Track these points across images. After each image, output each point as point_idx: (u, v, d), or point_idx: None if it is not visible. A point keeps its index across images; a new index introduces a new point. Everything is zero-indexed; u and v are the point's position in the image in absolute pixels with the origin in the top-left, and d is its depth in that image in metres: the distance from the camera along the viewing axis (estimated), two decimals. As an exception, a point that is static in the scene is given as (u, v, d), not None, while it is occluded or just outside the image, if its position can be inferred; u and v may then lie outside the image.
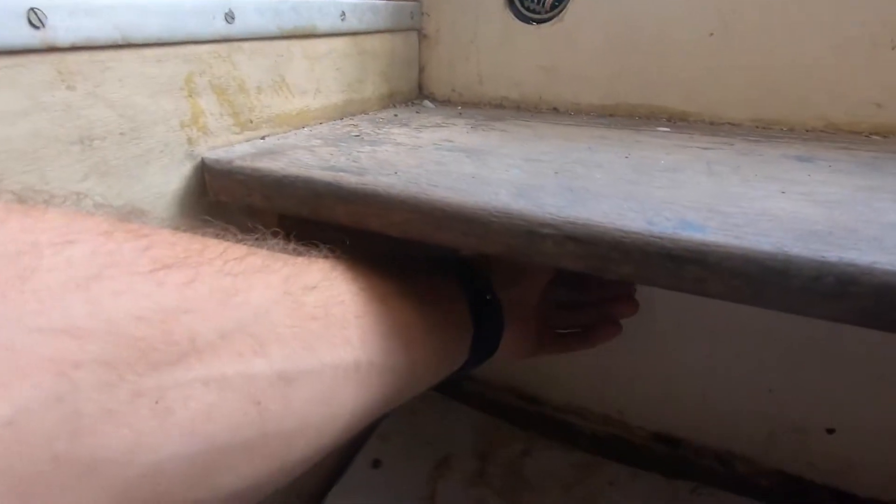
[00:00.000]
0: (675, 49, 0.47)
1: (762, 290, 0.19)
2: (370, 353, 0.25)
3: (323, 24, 0.41)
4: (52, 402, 0.14)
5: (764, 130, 0.45)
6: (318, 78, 0.42)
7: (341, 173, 0.28)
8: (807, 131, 0.45)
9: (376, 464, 0.58)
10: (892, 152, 0.37)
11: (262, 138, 0.37)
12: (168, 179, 0.31)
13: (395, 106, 0.54)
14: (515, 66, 0.54)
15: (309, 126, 0.42)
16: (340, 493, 0.55)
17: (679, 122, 0.48)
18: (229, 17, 0.32)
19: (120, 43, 0.27)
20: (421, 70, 0.59)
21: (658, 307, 0.57)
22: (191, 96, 0.31)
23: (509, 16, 0.53)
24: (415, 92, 0.58)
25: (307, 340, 0.22)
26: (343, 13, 0.43)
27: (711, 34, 0.45)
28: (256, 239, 0.25)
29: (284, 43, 0.38)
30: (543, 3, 0.52)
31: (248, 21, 0.34)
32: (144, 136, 0.29)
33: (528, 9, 0.53)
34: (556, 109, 0.54)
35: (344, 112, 0.46)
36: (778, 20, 0.43)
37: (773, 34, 0.43)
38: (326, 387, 0.23)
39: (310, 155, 0.32)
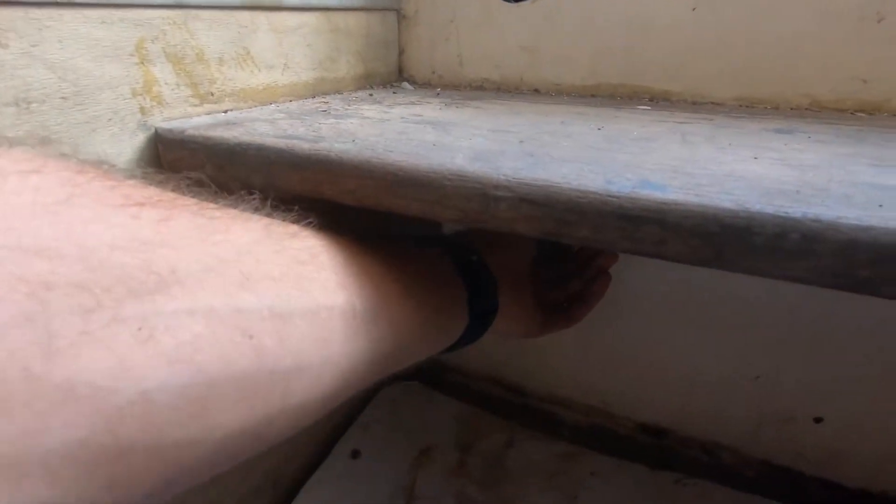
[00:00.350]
0: (656, 26, 0.46)
1: (724, 249, 0.18)
2: (365, 299, 0.24)
3: (290, -2, 0.40)
4: (21, 320, 0.13)
5: (747, 109, 0.44)
6: (287, 53, 0.41)
7: (295, 140, 0.27)
8: (791, 109, 0.43)
9: (355, 454, 0.57)
10: (878, 126, 0.36)
11: (225, 112, 0.36)
12: (119, 150, 0.29)
13: (371, 87, 0.52)
14: (496, 47, 0.53)
15: (277, 103, 0.40)
16: (318, 483, 0.53)
17: (662, 101, 0.47)
18: (184, -19, 0.31)
19: (59, 0, 0.25)
20: (401, 52, 0.57)
21: (643, 295, 0.56)
22: (143, 63, 0.30)
23: (488, -6, 0.51)
24: (394, 74, 0.57)
25: (297, 281, 0.21)
26: (313, -14, 0.42)
27: (694, 8, 0.44)
28: (235, 198, 0.24)
29: (248, 14, 0.36)
30: (523, -19, 0.50)
31: (206, -13, 0.33)
32: (89, 102, 0.27)
33: (507, -14, 0.51)
34: (537, 91, 0.52)
35: (315, 90, 0.45)
36: (761, -6, 0.42)
37: (756, 7, 0.42)
38: (323, 328, 0.22)
39: (269, 126, 0.31)
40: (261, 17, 0.38)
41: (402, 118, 0.35)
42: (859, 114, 0.41)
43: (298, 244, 0.23)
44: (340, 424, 0.60)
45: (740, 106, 0.45)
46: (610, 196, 0.20)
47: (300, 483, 0.53)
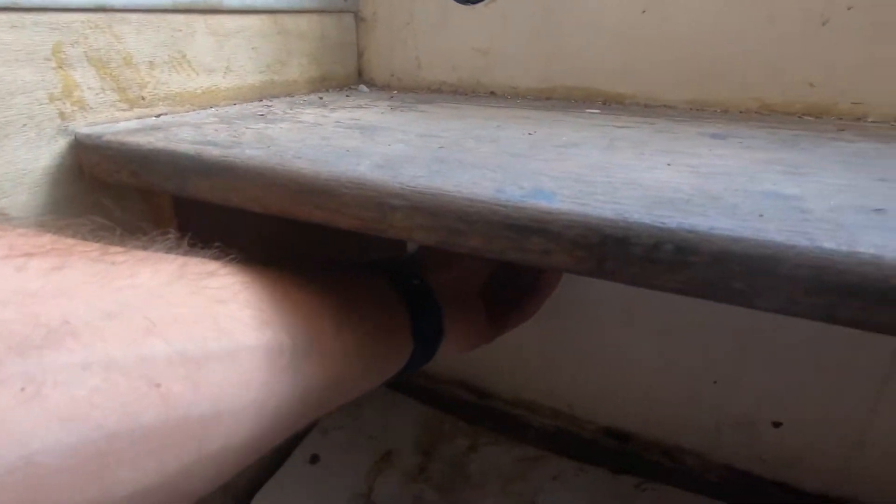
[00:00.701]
0: (608, 28, 0.45)
1: (605, 260, 0.18)
2: (295, 336, 0.23)
3: (230, 0, 0.39)
4: None
5: (698, 112, 0.43)
6: (229, 56, 0.40)
7: (209, 147, 0.26)
8: (741, 112, 0.43)
9: (314, 459, 0.57)
10: (818, 131, 0.35)
11: (158, 116, 0.35)
12: (35, 156, 0.29)
13: (326, 90, 0.52)
14: (452, 50, 0.52)
15: (217, 106, 0.40)
16: (273, 489, 0.53)
17: (615, 104, 0.47)
18: (106, -16, 0.30)
19: (-38, 5, 0.25)
20: (360, 55, 0.57)
21: (608, 302, 0.56)
22: (61, 67, 0.29)
23: (443, -5, 0.51)
24: (353, 77, 0.57)
25: (215, 321, 0.20)
26: (256, -12, 0.41)
27: (643, 11, 0.44)
28: (147, 240, 0.23)
29: (182, 17, 0.36)
30: (477, -17, 0.50)
31: (132, -11, 0.32)
32: (0, 106, 0.27)
33: (463, -12, 0.51)
34: (493, 93, 0.52)
35: (263, 93, 0.44)
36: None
37: (704, 11, 0.42)
38: (244, 369, 0.21)
39: (192, 131, 0.30)
40: (198, 19, 0.37)
41: (337, 123, 0.34)
42: (807, 117, 0.41)
43: (217, 283, 0.22)
44: (301, 429, 0.59)
45: (691, 109, 0.44)
46: (498, 205, 0.19)
47: (255, 489, 0.52)
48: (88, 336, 0.16)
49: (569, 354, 0.60)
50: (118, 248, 0.21)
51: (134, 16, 0.33)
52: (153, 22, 0.34)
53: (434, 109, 0.42)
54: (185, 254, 0.23)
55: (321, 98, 0.47)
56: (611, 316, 0.56)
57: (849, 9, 0.38)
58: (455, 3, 0.50)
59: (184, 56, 0.37)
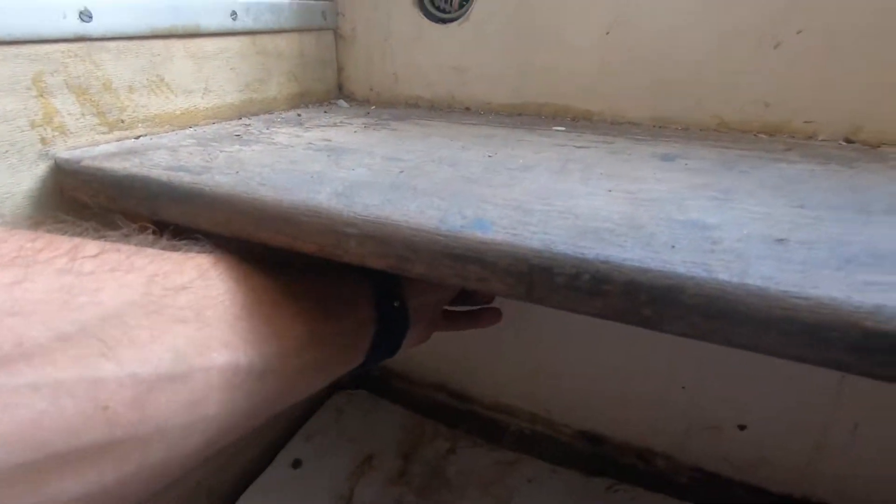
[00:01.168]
0: (574, 48, 0.47)
1: (533, 288, 0.20)
2: (252, 356, 0.24)
3: (209, 23, 0.41)
4: None
5: (660, 130, 0.45)
6: (207, 78, 0.42)
7: (179, 173, 0.28)
8: (701, 130, 0.45)
9: (297, 464, 0.58)
10: (766, 151, 0.37)
11: (137, 138, 0.37)
12: (17, 179, 0.30)
13: (306, 106, 0.54)
14: (428, 66, 0.54)
15: (197, 126, 0.41)
16: (255, 493, 0.54)
17: (582, 120, 0.49)
18: (85, 15, 0.32)
19: (-55, 42, 0.26)
20: (340, 70, 0.59)
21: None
22: (42, 96, 0.31)
23: (419, 15, 0.53)
24: (333, 91, 0.58)
25: (172, 343, 0.21)
26: (234, 13, 0.43)
27: (607, 33, 0.46)
28: (123, 235, 0.25)
29: (161, 42, 0.38)
30: (451, 2, 0.52)
31: (111, 20, 0.34)
32: (-18, 135, 0.29)
33: (437, 7, 0.53)
34: (468, 109, 0.54)
35: (242, 112, 0.46)
36: (669, 18, 0.43)
37: (665, 33, 0.44)
38: (195, 390, 0.21)
39: (168, 155, 0.32)
40: (176, 44, 0.39)
41: (308, 144, 0.36)
42: (761, 135, 0.43)
43: (183, 300, 0.22)
44: (284, 434, 0.61)
45: (655, 126, 0.46)
46: (440, 235, 0.21)
47: (238, 494, 0.54)
48: (40, 359, 0.17)
49: (546, 360, 0.62)
50: (91, 250, 0.21)
51: (113, 43, 0.34)
52: (132, 48, 0.35)
53: (405, 127, 0.43)
54: (166, 249, 0.24)
55: (299, 115, 0.48)
56: (586, 324, 0.58)
57: (798, 32, 0.40)
58: (429, 21, 0.52)
59: (162, 79, 0.38)
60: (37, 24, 0.30)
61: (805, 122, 0.42)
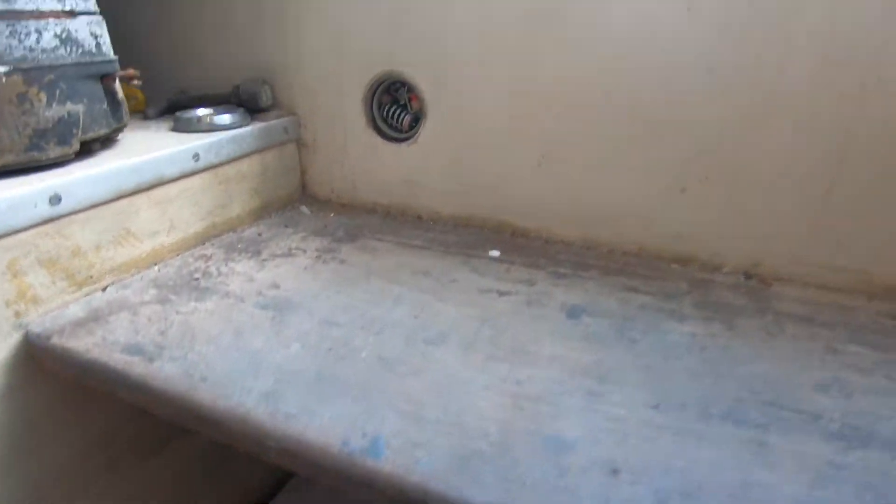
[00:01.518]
0: (511, 174, 0.52)
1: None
2: None
3: (172, 171, 0.45)
4: None
5: (588, 251, 0.50)
6: (172, 217, 0.46)
7: (134, 357, 0.32)
8: (623, 253, 0.49)
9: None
10: (666, 296, 0.42)
11: (104, 289, 0.41)
12: (-6, 352, 0.35)
13: (269, 215, 0.58)
14: (383, 177, 0.59)
15: (162, 261, 0.46)
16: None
17: (520, 237, 0.53)
18: (55, 199, 0.36)
19: (-71, 257, 0.31)
20: (304, 172, 0.63)
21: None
22: (15, 277, 0.35)
23: (373, 134, 0.57)
24: (297, 193, 0.63)
25: None
26: (196, 154, 0.47)
27: (539, 164, 0.50)
28: None
29: (126, 200, 0.42)
30: (402, 125, 0.56)
31: (79, 195, 0.38)
32: (-38, 324, 0.33)
33: (390, 127, 0.57)
34: (420, 217, 0.58)
35: (206, 236, 0.50)
36: (591, 156, 0.48)
37: (587, 168, 0.48)
38: None
39: (128, 322, 0.36)
40: (141, 197, 0.43)
41: (259, 295, 0.40)
42: (674, 265, 0.47)
43: None
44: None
45: (584, 247, 0.51)
46: (340, 459, 0.25)
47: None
48: None
49: None
50: None
51: (81, 214, 0.38)
52: (99, 214, 0.40)
53: (354, 258, 0.48)
54: None
55: (259, 234, 0.52)
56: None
57: (702, 181, 0.45)
58: (382, 140, 0.57)
59: (129, 231, 0.42)
60: (10, 219, 0.34)
61: (712, 255, 0.46)
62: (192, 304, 0.39)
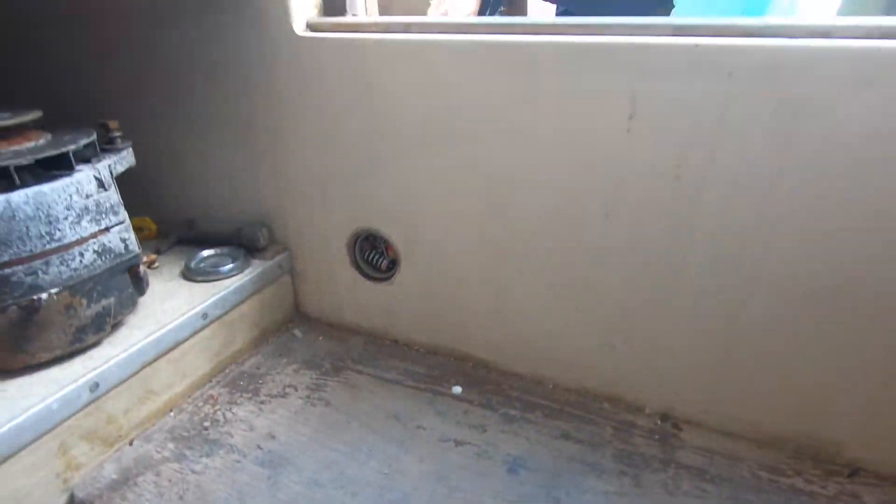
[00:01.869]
0: (473, 314, 0.61)
1: None
2: None
3: (185, 333, 0.54)
4: None
5: (537, 386, 0.59)
6: (184, 368, 0.55)
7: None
8: (566, 390, 0.59)
9: None
10: (592, 445, 0.50)
11: (131, 443, 0.50)
12: (47, 514, 0.44)
13: (267, 340, 0.67)
14: (365, 306, 0.68)
15: (176, 407, 0.55)
16: None
17: (482, 369, 0.62)
18: (94, 387, 0.45)
19: None
20: (296, 294, 0.72)
21: None
22: (64, 455, 0.44)
23: (355, 273, 0.66)
24: (292, 312, 0.72)
25: None
26: (205, 314, 0.56)
27: (496, 309, 0.59)
28: None
29: (149, 368, 0.51)
30: (380, 268, 0.65)
31: (113, 378, 0.47)
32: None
33: (370, 267, 0.66)
34: (396, 341, 0.67)
35: (213, 374, 0.59)
36: (538, 306, 0.57)
37: (536, 315, 0.57)
38: None
39: (152, 487, 0.45)
40: (161, 361, 0.52)
41: (256, 451, 0.49)
42: (605, 404, 0.56)
43: None
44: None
45: (535, 383, 0.60)
46: None
47: None
48: None
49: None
50: None
51: (113, 391, 0.47)
52: (128, 385, 0.49)
53: (337, 400, 0.57)
54: None
55: (258, 369, 0.61)
56: None
57: (626, 341, 0.54)
58: (363, 278, 0.66)
59: (150, 391, 0.51)
60: (61, 412, 0.43)
61: (636, 397, 0.56)
62: (204, 460, 0.48)
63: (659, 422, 0.54)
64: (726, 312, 0.49)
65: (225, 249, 0.67)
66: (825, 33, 0.39)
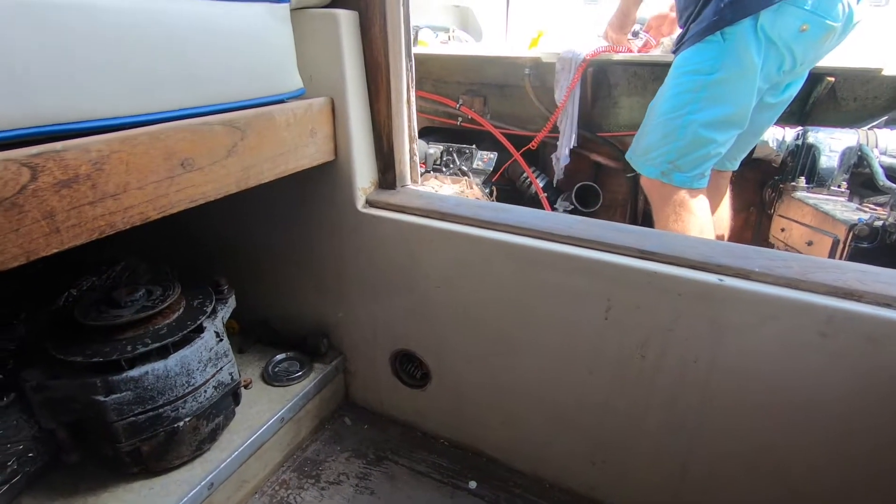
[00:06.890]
0: (486, 424, 0.77)
1: None
2: None
3: (268, 435, 0.72)
4: None
5: (535, 483, 0.74)
6: (266, 460, 0.73)
7: None
8: (560, 490, 0.74)
9: None
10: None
11: (229, 521, 0.67)
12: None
13: (324, 427, 0.84)
14: (401, 405, 0.84)
15: (258, 492, 0.72)
16: None
17: (492, 464, 0.78)
18: (210, 486, 0.63)
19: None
20: (347, 387, 0.89)
21: None
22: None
23: (395, 380, 0.83)
24: (342, 402, 0.89)
25: None
26: (282, 418, 0.74)
27: (504, 421, 0.75)
28: None
29: (244, 464, 0.68)
30: (416, 377, 0.82)
31: (221, 475, 0.64)
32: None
33: (408, 376, 0.83)
34: (425, 434, 0.84)
35: (284, 461, 0.77)
36: (540, 422, 0.72)
37: (535, 432, 0.73)
38: None
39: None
40: (252, 458, 0.69)
41: (321, 533, 0.66)
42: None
43: None
44: None
45: (534, 480, 0.75)
46: None
47: None
48: None
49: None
50: None
51: (221, 485, 0.65)
52: (231, 479, 0.66)
53: (380, 490, 0.73)
54: None
55: (318, 455, 0.78)
56: None
57: (604, 460, 0.69)
58: (402, 384, 0.82)
59: (244, 480, 0.69)
60: (190, 508, 0.61)
61: (611, 501, 0.70)
62: (283, 540, 0.65)
63: (628, 525, 0.69)
64: (678, 460, 0.63)
65: (292, 353, 0.84)
66: (745, 275, 0.54)
